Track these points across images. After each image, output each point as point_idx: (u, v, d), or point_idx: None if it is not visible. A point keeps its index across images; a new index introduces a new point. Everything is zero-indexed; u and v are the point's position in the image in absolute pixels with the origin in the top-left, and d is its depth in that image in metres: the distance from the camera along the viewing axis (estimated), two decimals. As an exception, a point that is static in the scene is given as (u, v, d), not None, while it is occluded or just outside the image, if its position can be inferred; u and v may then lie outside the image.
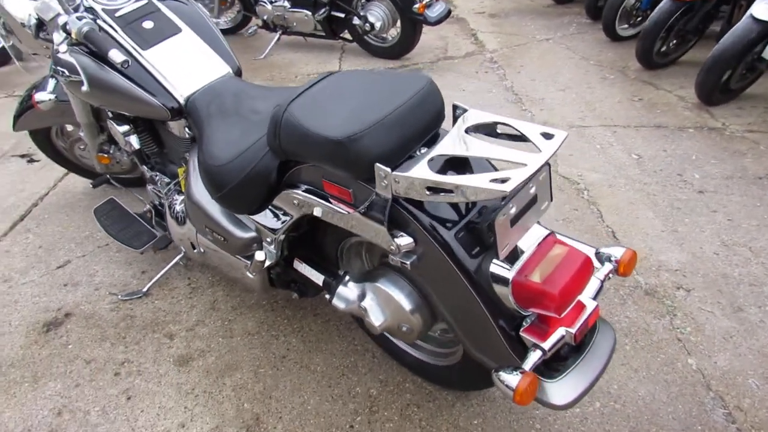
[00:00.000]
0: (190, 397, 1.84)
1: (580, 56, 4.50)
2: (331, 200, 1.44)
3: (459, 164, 1.33)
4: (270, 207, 1.66)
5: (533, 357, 1.24)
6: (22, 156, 3.39)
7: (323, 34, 4.69)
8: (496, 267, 1.26)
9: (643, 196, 2.73)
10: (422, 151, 1.34)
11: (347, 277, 1.66)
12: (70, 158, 2.82)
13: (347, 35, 4.75)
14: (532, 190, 1.26)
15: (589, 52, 4.55)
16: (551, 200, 1.34)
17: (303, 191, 1.50)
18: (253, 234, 1.74)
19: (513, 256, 1.28)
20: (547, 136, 1.20)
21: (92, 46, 1.78)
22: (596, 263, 1.41)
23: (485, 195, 1.11)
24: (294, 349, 1.99)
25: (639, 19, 4.60)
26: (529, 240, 1.32)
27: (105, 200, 2.46)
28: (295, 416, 1.76)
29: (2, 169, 3.28)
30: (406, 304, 1.50)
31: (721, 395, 1.76)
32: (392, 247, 1.31)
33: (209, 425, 1.75)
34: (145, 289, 2.26)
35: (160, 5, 1.93)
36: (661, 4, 3.75)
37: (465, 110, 1.36)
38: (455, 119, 1.36)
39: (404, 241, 1.30)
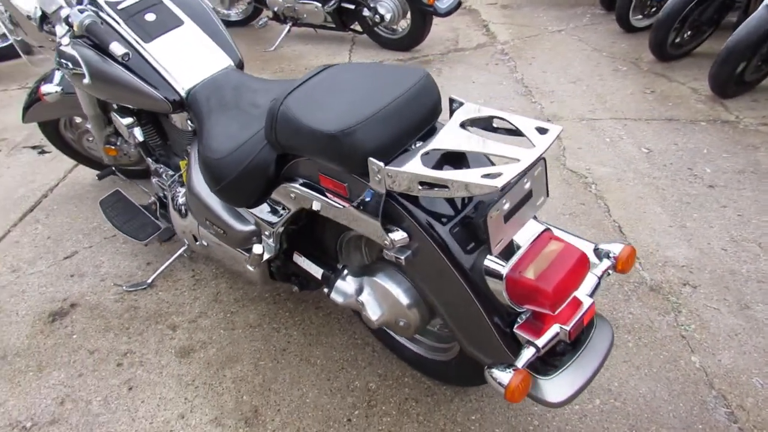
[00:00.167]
0: (190, 389, 1.85)
1: (592, 48, 4.43)
2: (327, 194, 1.43)
3: (456, 159, 1.32)
4: (268, 200, 1.66)
5: (526, 354, 1.23)
6: (34, 147, 3.43)
7: (333, 25, 4.67)
8: (490, 263, 1.25)
9: (652, 190, 2.69)
10: (417, 145, 1.33)
11: (345, 271, 1.65)
12: (78, 150, 2.85)
13: (357, 27, 4.72)
14: (527, 186, 1.24)
15: (602, 44, 4.49)
16: (547, 195, 1.32)
17: (300, 185, 1.50)
18: (252, 227, 1.74)
19: (509, 252, 1.27)
20: (542, 130, 1.18)
21: (94, 39, 1.79)
22: (595, 259, 1.40)
23: (477, 190, 1.10)
24: (295, 342, 2.00)
25: (653, 9, 4.51)
26: (525, 236, 1.31)
27: (111, 192, 2.48)
28: (294, 409, 1.77)
29: (14, 160, 3.33)
30: (404, 299, 1.50)
31: (723, 394, 1.73)
32: (386, 242, 1.30)
33: (208, 416, 1.76)
34: (149, 281, 2.28)
35: (162, -3, 1.93)
36: (675, -6, 3.68)
37: (461, 104, 1.34)
38: (452, 113, 1.34)
39: (398, 235, 1.29)
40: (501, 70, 4.17)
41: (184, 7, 1.96)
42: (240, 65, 1.95)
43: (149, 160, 2.20)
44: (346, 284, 1.63)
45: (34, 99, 2.47)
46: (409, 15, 4.40)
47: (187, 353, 1.98)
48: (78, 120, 2.68)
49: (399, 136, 1.29)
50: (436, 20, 4.54)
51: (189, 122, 1.91)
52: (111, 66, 1.82)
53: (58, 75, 2.30)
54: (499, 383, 1.20)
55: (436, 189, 1.16)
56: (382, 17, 4.31)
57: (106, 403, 1.83)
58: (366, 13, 4.37)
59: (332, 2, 4.45)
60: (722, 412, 1.69)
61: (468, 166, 1.31)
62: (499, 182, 1.06)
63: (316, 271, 1.75)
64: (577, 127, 3.30)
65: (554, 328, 1.25)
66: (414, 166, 1.18)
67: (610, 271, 1.39)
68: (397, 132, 1.29)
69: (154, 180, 2.25)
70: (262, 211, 1.68)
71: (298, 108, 1.34)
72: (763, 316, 1.97)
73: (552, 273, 1.21)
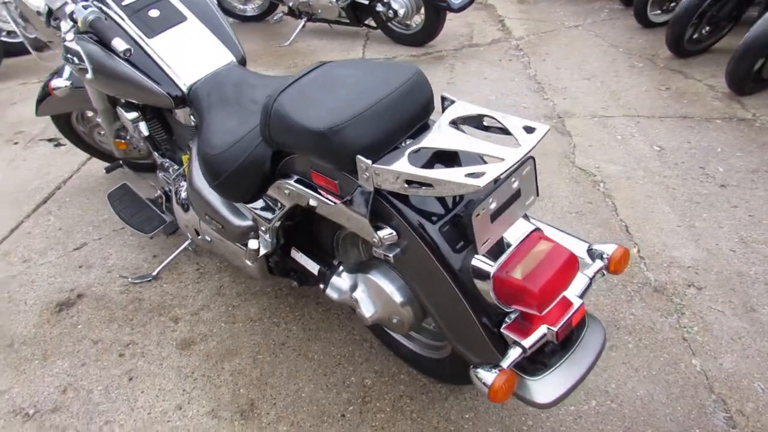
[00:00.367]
0: (189, 381, 1.88)
1: (609, 43, 4.37)
2: (320, 191, 1.44)
3: (448, 157, 1.31)
4: (264, 196, 1.67)
5: (512, 354, 1.22)
6: (50, 140, 3.49)
7: (347, 21, 4.68)
8: (478, 262, 1.25)
9: (662, 189, 2.64)
10: (407, 143, 1.32)
11: (341, 268, 1.66)
12: (90, 143, 2.89)
13: (371, 22, 4.72)
14: (515, 185, 1.23)
15: (619, 39, 4.42)
16: (537, 195, 1.31)
17: (294, 182, 1.51)
18: (249, 222, 1.76)
19: (498, 252, 1.26)
20: (529, 129, 1.17)
21: (97, 35, 1.81)
22: (588, 260, 1.38)
23: (460, 189, 1.10)
24: (293, 337, 2.02)
25: (672, 4, 4.41)
26: (515, 235, 1.30)
27: (118, 185, 2.51)
28: (289, 403, 1.79)
29: (31, 152, 3.39)
30: (397, 297, 1.49)
31: (723, 398, 1.70)
32: (374, 240, 1.30)
33: (205, 408, 1.78)
34: (154, 273, 2.31)
35: (166, -7, 1.95)
36: (692, -11, 3.60)
37: (452, 102, 1.33)
38: (443, 111, 1.34)
39: (386, 233, 1.29)
40: (514, 66, 4.13)
41: (188, 3, 1.97)
42: (242, 61, 1.97)
43: (156, 154, 2.23)
44: (341, 280, 1.63)
45: (45, 93, 2.52)
46: (422, 10, 4.38)
47: (187, 345, 2.01)
48: (89, 114, 2.72)
49: (389, 133, 1.29)
50: (451, 15, 4.51)
51: (192, 117, 1.92)
52: (114, 61, 1.84)
53: (67, 70, 2.34)
54: (483, 383, 1.19)
55: (423, 188, 1.16)
56: (395, 12, 4.30)
57: (107, 392, 1.86)
58: (380, 8, 4.36)
59: (346, -3, 4.46)
60: (721, 416, 1.66)
61: (460, 165, 1.30)
62: (481, 182, 1.05)
63: (313, 267, 1.76)
64: (589, 124, 3.26)
65: (542, 329, 1.23)
66: (400, 164, 1.18)
67: (604, 272, 1.37)
68: (386, 129, 1.28)
69: (160, 174, 2.28)
70: (259, 206, 1.69)
71: (290, 105, 1.35)
72: (768, 320, 1.93)
73: (540, 273, 1.20)
